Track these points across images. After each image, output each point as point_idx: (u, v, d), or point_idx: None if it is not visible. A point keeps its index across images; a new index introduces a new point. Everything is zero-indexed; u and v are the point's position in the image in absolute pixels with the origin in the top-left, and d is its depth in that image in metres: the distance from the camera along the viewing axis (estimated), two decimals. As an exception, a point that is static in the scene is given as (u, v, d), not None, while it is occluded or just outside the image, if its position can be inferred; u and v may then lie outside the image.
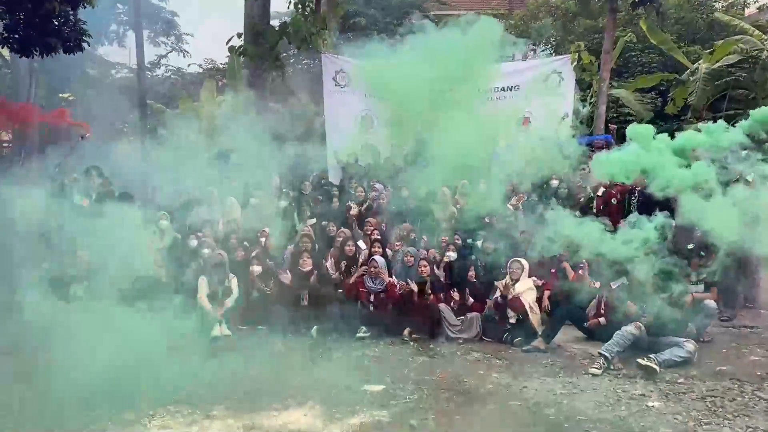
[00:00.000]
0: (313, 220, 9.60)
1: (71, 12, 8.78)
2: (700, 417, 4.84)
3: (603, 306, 6.91)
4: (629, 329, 6.09)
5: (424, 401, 5.23)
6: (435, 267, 8.01)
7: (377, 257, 7.91)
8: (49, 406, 5.04)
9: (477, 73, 8.69)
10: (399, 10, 19.20)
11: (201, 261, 8.18)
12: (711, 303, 6.65)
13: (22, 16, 8.71)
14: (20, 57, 9.52)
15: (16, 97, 17.77)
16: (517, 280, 7.17)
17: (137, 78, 16.85)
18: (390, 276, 7.89)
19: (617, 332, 6.14)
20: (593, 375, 5.82)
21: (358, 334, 7.26)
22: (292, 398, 5.29)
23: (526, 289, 7.15)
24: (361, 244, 8.78)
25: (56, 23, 8.84)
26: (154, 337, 5.79)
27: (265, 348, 6.91)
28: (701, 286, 6.74)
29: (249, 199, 9.76)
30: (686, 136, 7.55)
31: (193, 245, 8.58)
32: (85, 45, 9.38)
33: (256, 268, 8.05)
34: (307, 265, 8.05)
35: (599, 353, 6.03)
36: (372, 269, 7.79)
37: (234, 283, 7.91)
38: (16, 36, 8.89)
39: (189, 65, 27.09)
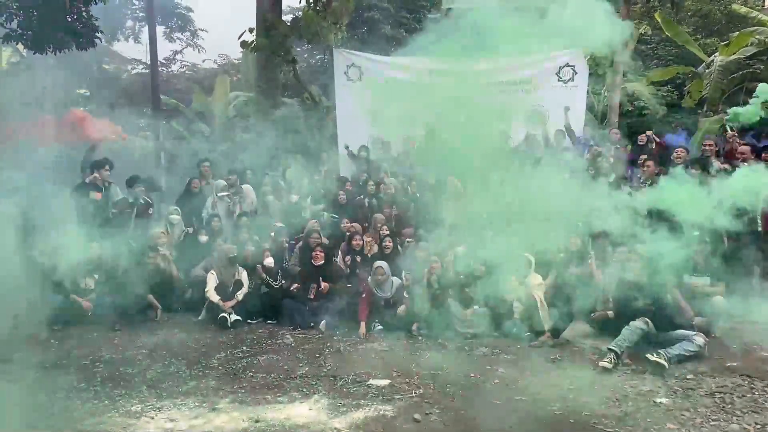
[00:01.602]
0: (321, 206, 9.60)
1: (83, 8, 8.84)
2: (708, 413, 4.78)
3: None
4: (637, 324, 6.04)
5: (429, 396, 5.22)
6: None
7: (382, 263, 7.80)
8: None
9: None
10: (413, 3, 19.11)
11: (212, 255, 8.25)
12: (719, 299, 6.57)
13: (35, 13, 8.79)
14: (34, 53, 9.59)
15: (33, 93, 17.95)
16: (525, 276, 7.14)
17: (150, 73, 16.95)
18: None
19: (626, 327, 6.09)
20: (604, 369, 5.76)
21: (374, 326, 7.32)
22: (297, 392, 5.32)
23: (536, 284, 7.10)
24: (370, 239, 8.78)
25: (69, 19, 8.91)
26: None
27: (273, 341, 6.95)
28: (707, 278, 6.65)
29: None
30: None
31: (203, 241, 8.65)
32: (97, 41, 9.45)
33: (268, 260, 8.08)
34: (318, 259, 8.04)
35: (609, 348, 5.97)
36: (379, 277, 7.70)
37: (244, 276, 7.98)
38: (30, 33, 8.98)
39: (204, 60, 27.16)
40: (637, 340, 6.01)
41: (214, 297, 7.67)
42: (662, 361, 5.68)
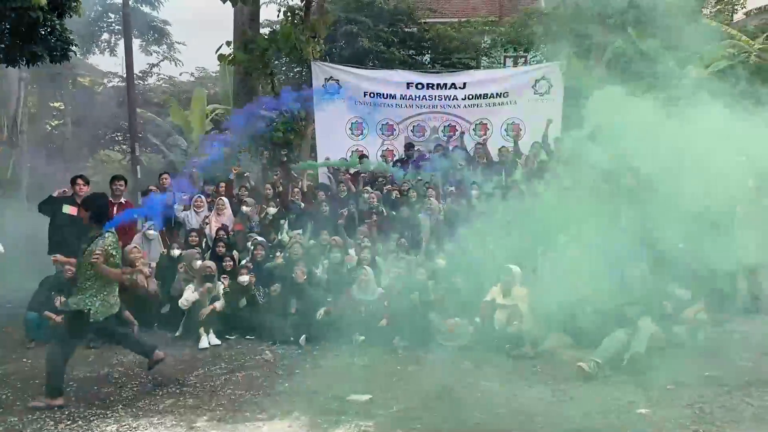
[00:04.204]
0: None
1: (57, 21, 8.72)
2: (688, 424, 4.81)
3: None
4: (618, 334, 6.08)
5: (411, 410, 5.18)
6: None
7: (367, 267, 7.85)
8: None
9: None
10: (391, 17, 19.17)
11: (188, 271, 8.12)
12: (700, 316, 6.63)
13: (7, 26, 8.65)
14: (6, 67, 9.44)
15: (6, 107, 17.70)
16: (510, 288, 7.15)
17: (126, 87, 16.80)
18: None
19: (607, 338, 6.13)
20: (583, 373, 5.83)
21: (357, 340, 7.22)
22: (277, 408, 5.24)
23: (520, 295, 7.11)
24: (353, 252, 8.76)
25: (42, 32, 8.78)
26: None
27: (252, 357, 6.85)
28: (689, 292, 6.72)
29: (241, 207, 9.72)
30: None
31: (175, 255, 8.53)
32: (71, 54, 9.32)
33: (243, 278, 7.98)
34: (301, 276, 7.99)
35: (591, 360, 5.99)
36: (363, 277, 7.73)
37: (221, 290, 7.86)
38: (2, 46, 8.84)
39: (181, 74, 27.04)
40: (618, 350, 6.05)
41: (190, 298, 7.58)
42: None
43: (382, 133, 12.13)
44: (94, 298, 5.38)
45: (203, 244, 9.01)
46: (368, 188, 10.28)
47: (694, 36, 10.00)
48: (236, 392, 5.67)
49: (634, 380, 5.73)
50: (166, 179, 9.94)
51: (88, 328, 5.51)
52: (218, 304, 7.66)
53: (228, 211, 9.61)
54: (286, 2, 18.70)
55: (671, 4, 10.55)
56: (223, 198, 9.70)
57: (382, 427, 4.83)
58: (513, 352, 6.67)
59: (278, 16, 13.90)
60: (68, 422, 5.00)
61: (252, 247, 8.75)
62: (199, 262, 8.11)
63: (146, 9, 24.40)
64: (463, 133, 11.78)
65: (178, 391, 5.73)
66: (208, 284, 7.72)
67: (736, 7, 19.87)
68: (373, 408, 5.23)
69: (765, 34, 15.33)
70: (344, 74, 12.22)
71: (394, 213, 9.53)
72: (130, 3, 17.06)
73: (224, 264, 8.16)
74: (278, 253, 8.65)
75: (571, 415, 5.01)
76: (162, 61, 26.23)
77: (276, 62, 17.03)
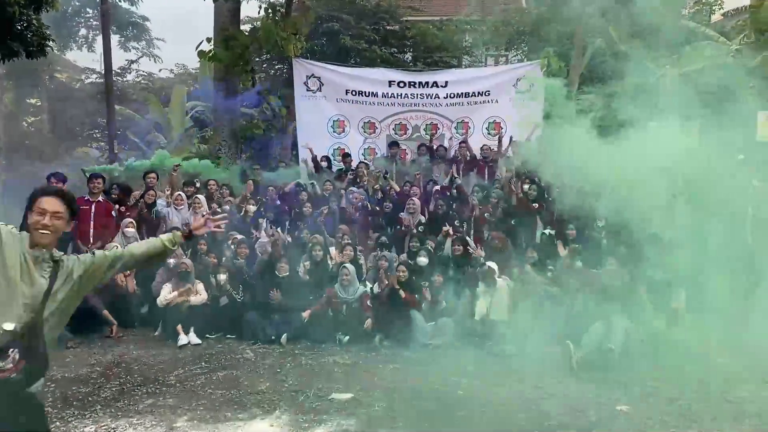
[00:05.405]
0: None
1: (33, 16, 8.58)
2: (668, 420, 4.86)
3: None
4: (596, 330, 6.14)
5: (393, 409, 5.16)
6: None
7: (348, 265, 7.80)
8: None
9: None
10: (373, 15, 19.15)
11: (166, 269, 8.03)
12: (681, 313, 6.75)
13: (-18, 22, 8.50)
14: (-19, 62, 9.28)
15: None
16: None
17: (105, 83, 16.57)
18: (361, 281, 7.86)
19: (585, 334, 6.20)
20: (567, 358, 6.01)
21: (341, 340, 7.20)
22: (258, 408, 5.20)
23: (503, 287, 7.14)
24: (333, 250, 8.72)
25: (18, 27, 8.64)
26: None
27: (233, 356, 6.79)
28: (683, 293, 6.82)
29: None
30: None
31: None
32: (48, 49, 9.18)
33: (222, 277, 7.90)
34: (283, 270, 7.93)
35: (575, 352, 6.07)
36: (344, 277, 7.69)
37: (200, 288, 7.78)
38: (-23, 41, 8.69)
39: (160, 70, 26.78)
40: (596, 346, 6.11)
41: (166, 297, 7.53)
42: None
43: (364, 131, 12.11)
44: None
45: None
46: (353, 188, 10.24)
47: (673, 36, 10.15)
48: (217, 392, 5.61)
49: (614, 377, 5.79)
50: (153, 178, 9.81)
51: None
52: (193, 299, 7.61)
53: (204, 208, 9.49)
54: (267, -1, 18.57)
55: (651, 4, 10.68)
56: (199, 196, 9.58)
57: (364, 426, 4.81)
58: (494, 350, 6.70)
59: (259, 12, 13.78)
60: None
61: (234, 246, 8.67)
62: (172, 261, 8.02)
63: (125, 4, 24.13)
64: (451, 138, 11.78)
65: (157, 390, 5.65)
66: (187, 283, 7.65)
67: (713, 8, 20.12)
68: (355, 407, 5.21)
69: (741, 35, 15.52)
70: (326, 72, 12.17)
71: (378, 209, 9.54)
72: (109, -2, 16.81)
73: (210, 260, 8.09)
74: (259, 253, 8.58)
75: (552, 412, 5.04)
76: (141, 57, 25.99)
77: (257, 59, 16.93)
